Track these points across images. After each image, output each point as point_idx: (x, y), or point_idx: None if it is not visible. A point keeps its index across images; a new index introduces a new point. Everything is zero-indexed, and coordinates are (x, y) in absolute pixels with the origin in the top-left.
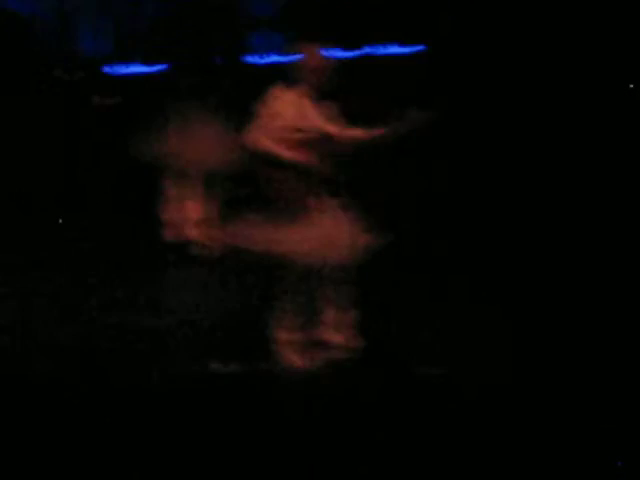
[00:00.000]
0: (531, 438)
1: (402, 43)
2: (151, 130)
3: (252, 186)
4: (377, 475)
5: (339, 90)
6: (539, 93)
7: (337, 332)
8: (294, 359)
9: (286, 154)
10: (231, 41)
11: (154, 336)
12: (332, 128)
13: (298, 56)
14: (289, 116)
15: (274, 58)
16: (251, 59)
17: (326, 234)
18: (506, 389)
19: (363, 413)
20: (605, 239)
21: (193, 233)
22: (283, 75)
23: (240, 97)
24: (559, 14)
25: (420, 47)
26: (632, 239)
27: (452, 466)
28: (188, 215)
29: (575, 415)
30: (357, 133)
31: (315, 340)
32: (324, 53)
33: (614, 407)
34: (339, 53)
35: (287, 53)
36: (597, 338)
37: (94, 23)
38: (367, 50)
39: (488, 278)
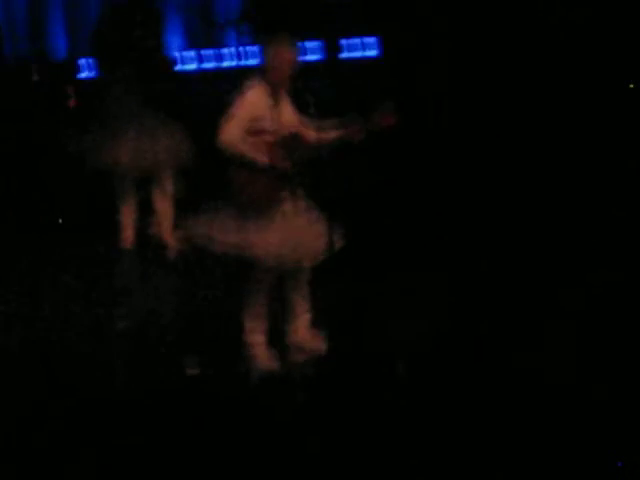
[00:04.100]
0: (531, 438)
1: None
2: (110, 134)
3: (223, 188)
4: (357, 475)
5: (310, 91)
6: (539, 93)
7: (308, 334)
8: (266, 361)
9: (258, 156)
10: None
11: (127, 340)
12: (303, 129)
13: (270, 56)
14: (262, 117)
15: (249, 59)
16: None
17: (296, 235)
18: (505, 389)
19: (334, 413)
20: (604, 239)
21: (162, 236)
22: (255, 75)
23: (213, 99)
24: (559, 14)
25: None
26: (632, 238)
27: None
28: (157, 218)
29: (575, 415)
30: (328, 134)
31: (287, 342)
32: (296, 54)
33: (614, 407)
34: (309, 55)
35: (260, 53)
36: (597, 337)
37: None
38: (336, 52)
39: (462, 273)
